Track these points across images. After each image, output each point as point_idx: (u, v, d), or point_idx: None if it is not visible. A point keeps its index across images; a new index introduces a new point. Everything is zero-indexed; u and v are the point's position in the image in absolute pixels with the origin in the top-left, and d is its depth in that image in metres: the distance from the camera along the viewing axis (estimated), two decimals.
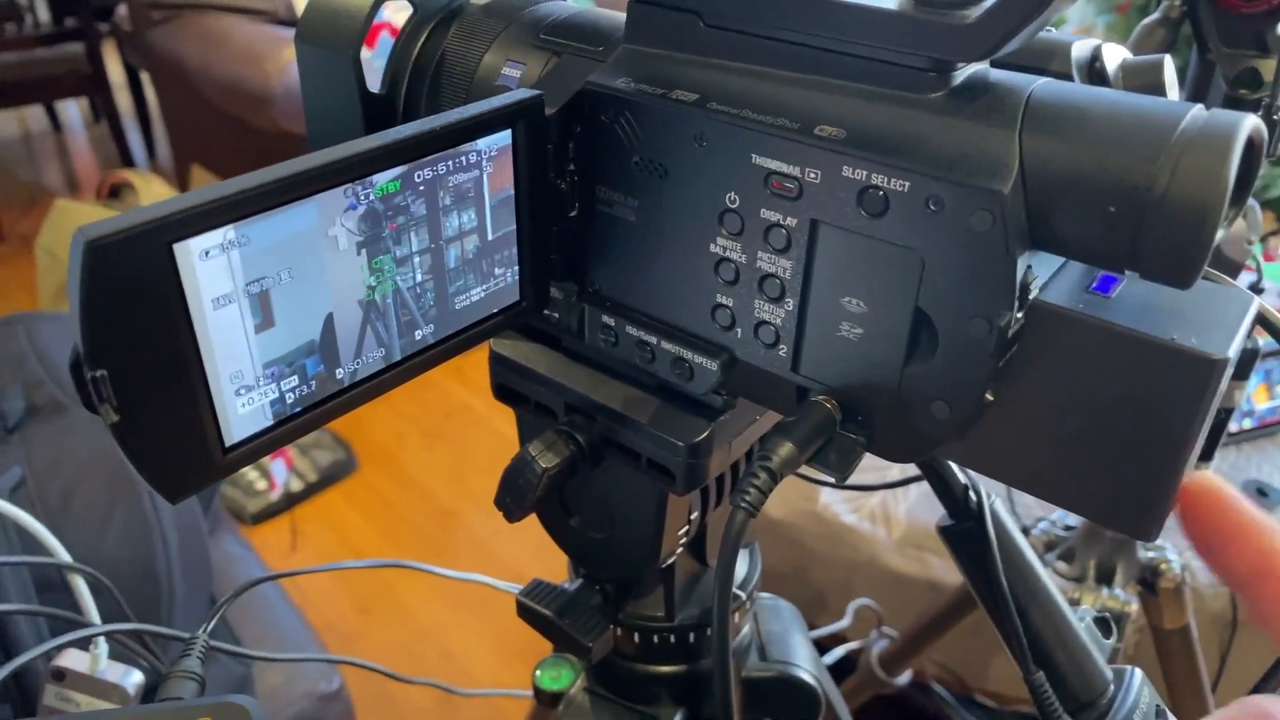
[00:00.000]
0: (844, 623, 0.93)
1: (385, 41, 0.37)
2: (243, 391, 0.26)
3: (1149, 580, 0.80)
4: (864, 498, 1.21)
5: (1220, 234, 0.25)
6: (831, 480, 0.31)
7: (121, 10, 2.92)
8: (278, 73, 2.07)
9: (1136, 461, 0.26)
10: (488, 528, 1.74)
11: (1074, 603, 0.78)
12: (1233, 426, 1.24)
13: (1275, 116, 0.51)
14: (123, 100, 3.15)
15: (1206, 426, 0.27)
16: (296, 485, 1.82)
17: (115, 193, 2.37)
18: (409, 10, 0.36)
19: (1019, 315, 0.26)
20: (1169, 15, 0.59)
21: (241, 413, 0.26)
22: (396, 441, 2.03)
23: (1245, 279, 0.66)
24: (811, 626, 1.00)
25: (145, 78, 2.99)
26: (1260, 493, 1.15)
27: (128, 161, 3.09)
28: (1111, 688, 0.40)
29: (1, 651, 0.76)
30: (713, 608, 0.30)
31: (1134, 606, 0.77)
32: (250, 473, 1.80)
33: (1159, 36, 0.59)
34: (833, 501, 1.23)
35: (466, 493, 1.86)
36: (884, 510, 1.21)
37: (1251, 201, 0.64)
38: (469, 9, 0.37)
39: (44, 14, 2.87)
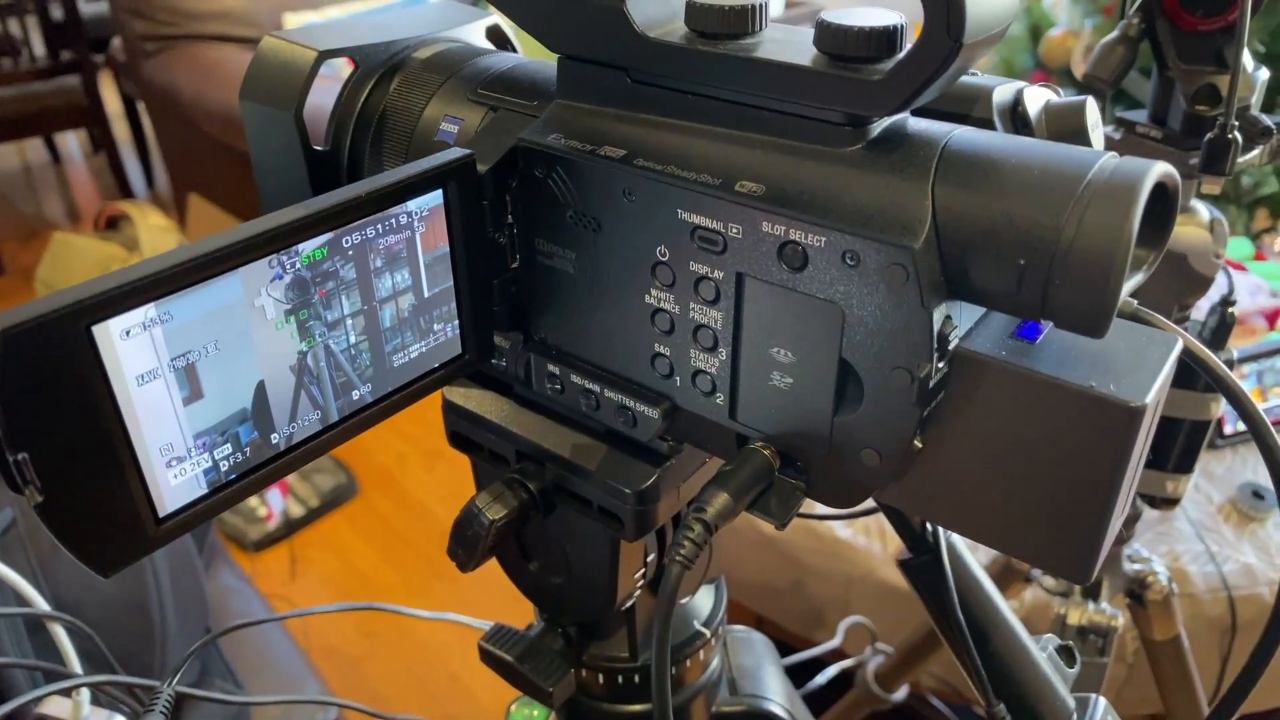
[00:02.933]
0: (835, 641, 0.93)
1: (329, 96, 0.37)
2: (174, 463, 0.26)
3: (1136, 592, 0.80)
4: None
5: (1136, 279, 0.25)
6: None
7: (116, 42, 2.94)
8: None
9: (1066, 506, 0.26)
10: None
11: (1061, 618, 0.78)
12: (1227, 429, 1.23)
13: (1230, 135, 0.51)
14: (120, 131, 3.18)
15: (1137, 467, 0.27)
16: (298, 511, 1.83)
17: (113, 224, 2.39)
18: (350, 66, 0.37)
19: (940, 365, 0.26)
20: (1127, 33, 0.59)
21: (174, 484, 0.26)
22: (397, 463, 2.04)
23: (1217, 292, 0.66)
24: (809, 642, 1.00)
25: (142, 108, 3.01)
26: (1256, 495, 1.15)
27: (126, 192, 3.11)
28: (1074, 717, 0.40)
29: None
30: (651, 663, 0.30)
31: (1120, 620, 0.77)
32: (251, 500, 1.81)
33: (1119, 55, 0.60)
34: None
35: None
36: (879, 524, 1.21)
37: (1218, 215, 0.64)
38: (410, 63, 0.37)
39: (39, 48, 2.90)
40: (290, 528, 1.80)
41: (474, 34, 0.40)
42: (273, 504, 1.79)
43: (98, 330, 0.23)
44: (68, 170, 3.52)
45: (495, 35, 0.41)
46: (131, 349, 0.24)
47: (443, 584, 1.71)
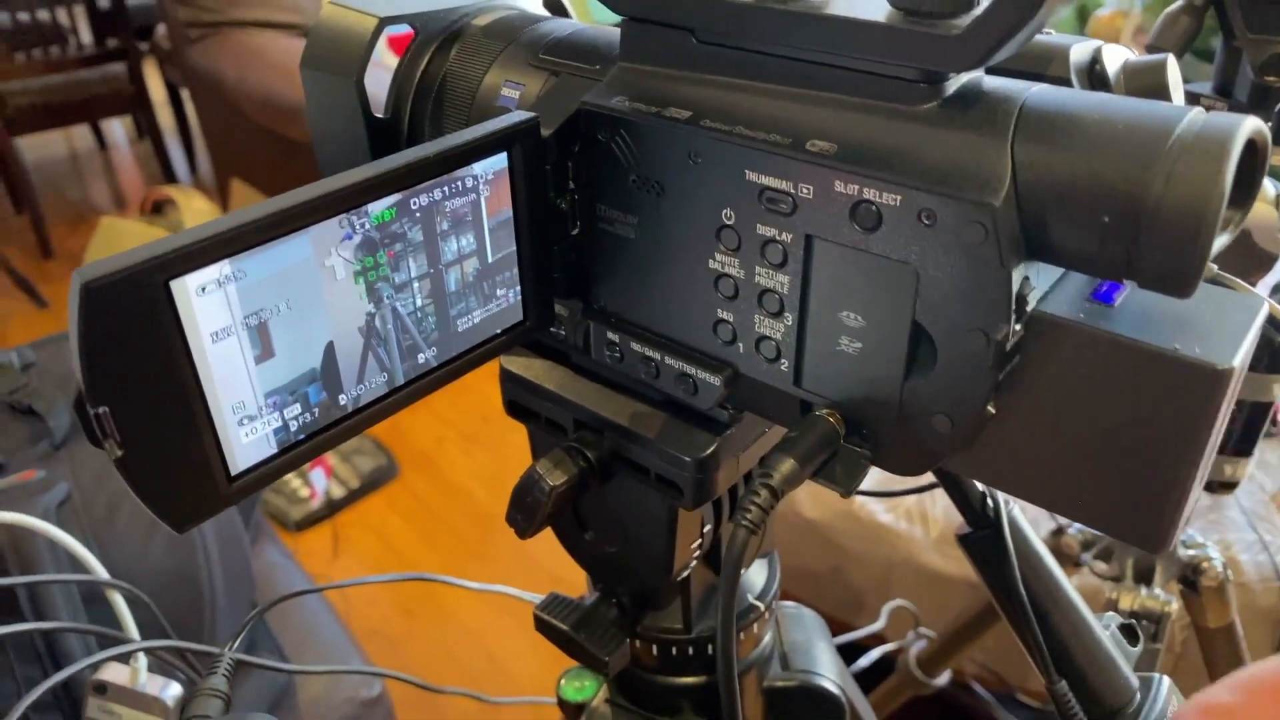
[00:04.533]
0: (879, 624, 0.92)
1: (389, 64, 0.37)
2: (245, 421, 0.26)
3: (1190, 579, 0.78)
4: (900, 497, 1.20)
5: (1222, 240, 0.25)
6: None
7: (160, 29, 2.99)
8: None
9: (1144, 473, 0.26)
10: None
11: (1112, 603, 0.76)
12: None
13: None
14: (164, 117, 3.22)
15: (1219, 433, 0.26)
16: (339, 492, 1.85)
17: (158, 208, 2.43)
18: (411, 33, 0.37)
19: (1017, 327, 0.25)
20: (1193, 2, 0.58)
21: (245, 442, 0.26)
22: (436, 446, 2.05)
23: None
24: (849, 627, 1.00)
25: (185, 94, 3.05)
26: None
27: (170, 177, 3.16)
28: (1138, 696, 0.39)
29: (52, 664, 0.78)
30: (716, 629, 0.29)
31: (1174, 606, 0.75)
32: (293, 480, 1.83)
33: (1183, 25, 0.58)
34: (869, 501, 1.22)
35: (505, 495, 1.84)
36: (921, 509, 1.20)
37: None
38: (469, 30, 0.37)
39: (86, 35, 2.94)
40: (332, 508, 1.83)
41: (531, 1, 0.40)
42: (316, 484, 1.82)
43: (175, 286, 0.23)
44: (113, 156, 3.58)
45: (552, 4, 0.41)
46: (207, 305, 0.24)
47: (481, 564, 1.72)
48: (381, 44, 0.36)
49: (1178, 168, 0.22)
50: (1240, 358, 0.24)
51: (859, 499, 1.22)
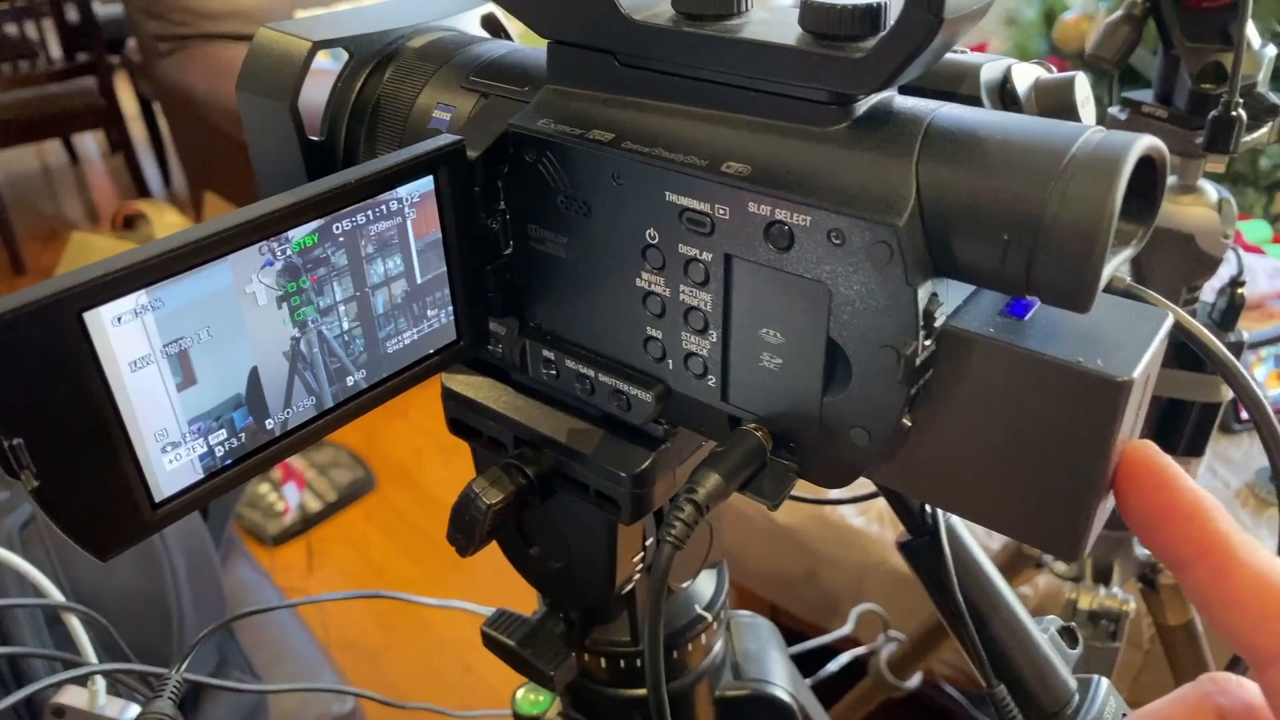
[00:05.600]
0: (847, 628, 0.93)
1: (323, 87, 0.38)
2: (169, 449, 0.26)
3: (1149, 577, 0.79)
4: (872, 500, 1.21)
5: (1124, 254, 0.25)
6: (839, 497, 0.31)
7: (131, 43, 2.97)
8: None
9: (1054, 482, 0.26)
10: None
11: (1072, 603, 0.77)
12: (1244, 414, 1.22)
13: (1234, 112, 0.51)
14: (137, 131, 3.21)
15: (1133, 438, 0.27)
16: (315, 505, 1.84)
17: (129, 223, 2.41)
18: (345, 56, 0.37)
19: (927, 343, 0.26)
20: (1132, 12, 0.59)
21: (169, 469, 0.27)
22: (414, 458, 2.05)
23: (1226, 272, 0.66)
24: (822, 631, 1.00)
25: (158, 108, 3.04)
26: (1273, 480, 1.14)
27: (144, 191, 3.14)
28: (1076, 698, 0.39)
29: (15, 683, 0.78)
30: (643, 642, 0.30)
31: (1132, 605, 0.76)
32: (269, 495, 1.82)
33: (1123, 34, 0.59)
34: (840, 505, 1.23)
35: None
36: (892, 512, 1.21)
37: (1226, 194, 0.63)
38: (404, 52, 0.37)
39: (56, 50, 2.92)
40: (308, 522, 1.82)
41: (469, 23, 0.40)
42: (290, 498, 1.81)
43: (89, 317, 0.24)
44: (86, 171, 3.56)
45: (490, 23, 0.41)
46: (124, 335, 0.24)
47: (459, 575, 1.72)
48: (314, 67, 0.36)
49: (1071, 186, 0.23)
50: (1141, 369, 0.25)
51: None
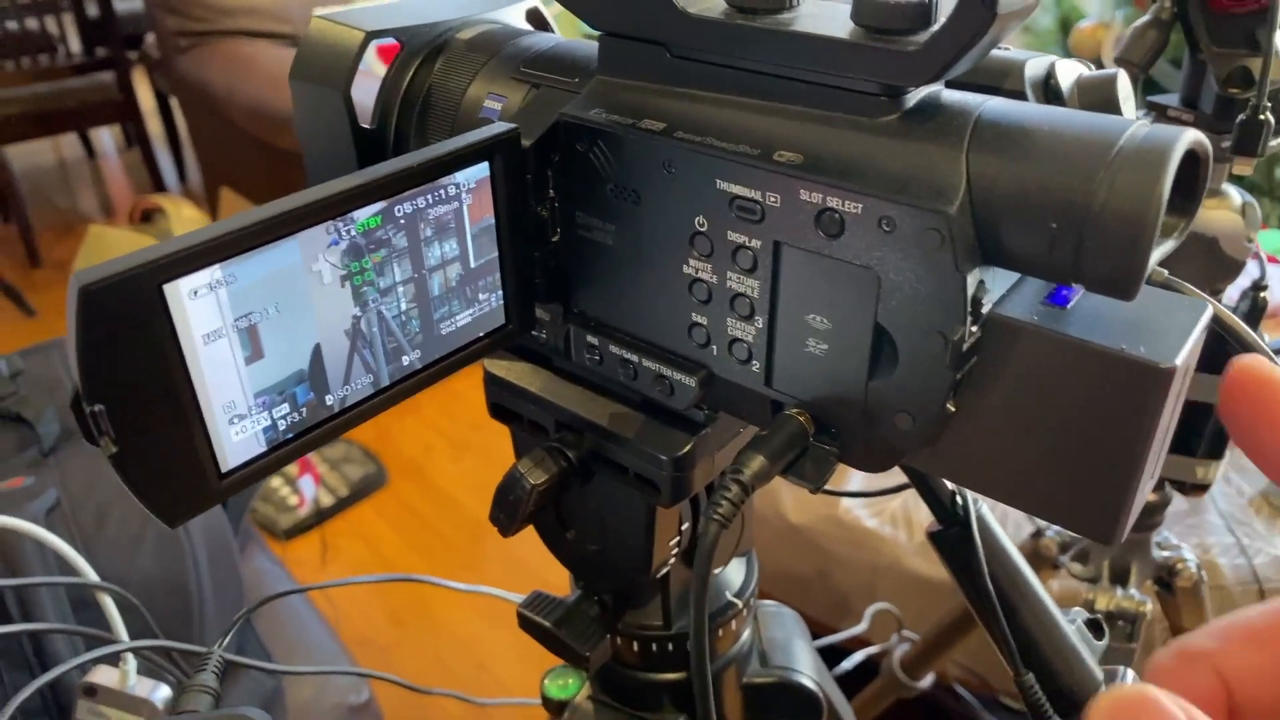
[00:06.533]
0: (861, 627, 0.93)
1: (376, 75, 0.38)
2: (235, 420, 0.27)
3: (1165, 580, 0.79)
4: (884, 501, 1.21)
5: (1166, 247, 0.26)
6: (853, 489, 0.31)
7: (150, 38, 2.99)
8: None
9: (1095, 468, 0.27)
10: (517, 537, 1.76)
11: (1089, 604, 0.78)
12: None
13: (1262, 116, 0.51)
14: (153, 126, 3.23)
15: (1167, 430, 0.27)
16: (327, 500, 1.85)
17: (147, 217, 2.43)
18: (397, 45, 0.38)
19: (974, 329, 0.27)
20: (1160, 17, 0.59)
21: (235, 440, 0.27)
22: (425, 454, 2.06)
23: (1248, 277, 0.66)
24: (834, 631, 1.01)
25: (175, 103, 3.06)
26: None
27: (159, 185, 3.16)
28: (1103, 688, 0.40)
29: (40, 668, 0.79)
30: (690, 618, 0.31)
31: (1149, 607, 0.77)
32: (282, 488, 1.83)
33: (1150, 39, 0.60)
34: (854, 505, 1.23)
35: None
36: (905, 513, 1.21)
37: (1250, 199, 0.64)
38: (454, 43, 0.38)
39: (75, 44, 2.95)
40: (321, 516, 1.83)
41: (514, 16, 0.41)
42: (304, 492, 1.82)
43: (168, 289, 0.24)
44: (102, 165, 3.58)
45: (534, 17, 0.42)
46: (199, 308, 0.25)
47: (470, 571, 1.73)
48: (369, 55, 0.37)
49: (1119, 177, 0.23)
50: (1183, 357, 0.25)
51: (844, 503, 1.23)
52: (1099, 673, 0.41)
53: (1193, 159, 0.25)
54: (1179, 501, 0.85)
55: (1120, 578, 0.78)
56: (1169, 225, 0.26)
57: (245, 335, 0.27)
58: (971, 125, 0.26)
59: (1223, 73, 0.58)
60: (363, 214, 0.28)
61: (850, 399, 0.29)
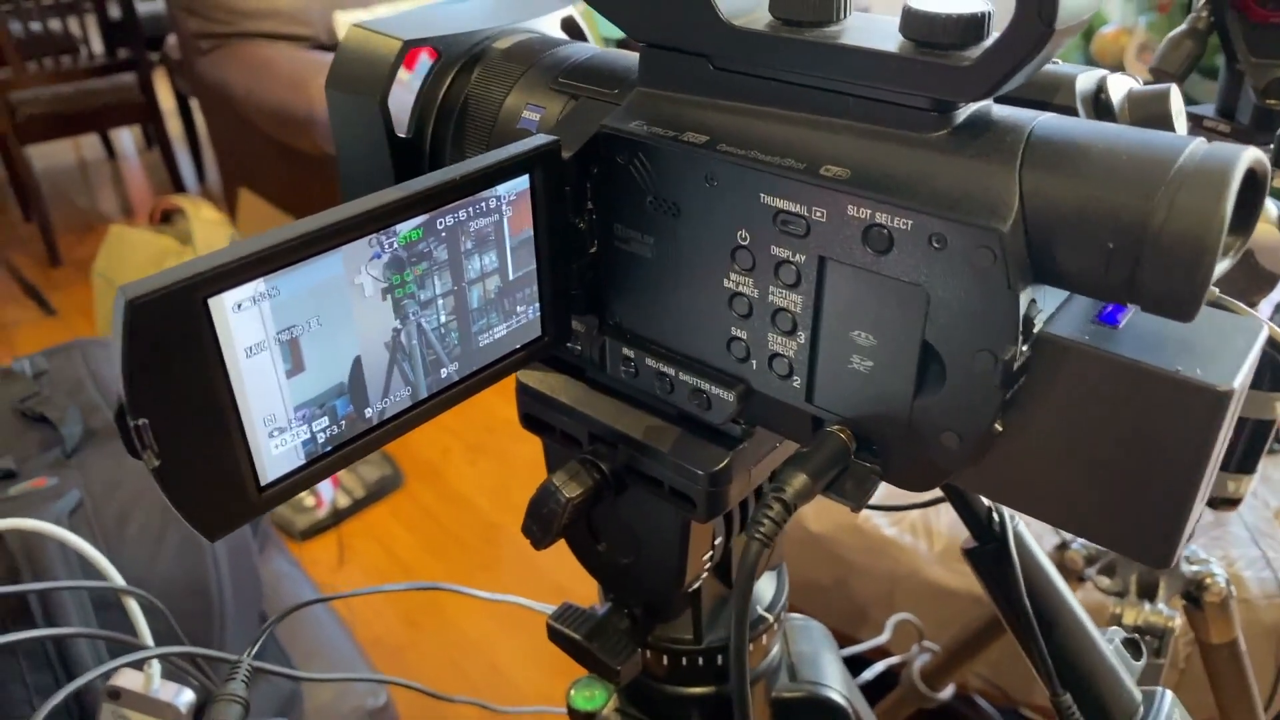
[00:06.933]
0: (883, 638, 0.92)
1: (413, 82, 0.38)
2: (276, 433, 0.27)
3: (1193, 594, 0.78)
4: (904, 512, 1.20)
5: (1223, 266, 0.26)
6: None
7: (171, 40, 3.01)
8: (320, 97, 2.12)
9: (1148, 491, 0.26)
10: None
11: (1116, 618, 0.77)
12: None
13: None
14: (174, 127, 3.25)
15: (1220, 452, 0.27)
16: (344, 501, 1.86)
17: (166, 218, 2.44)
18: (421, 52, 0.38)
19: (1024, 348, 0.26)
20: (1196, 26, 0.59)
21: (275, 453, 0.27)
22: (441, 456, 2.06)
23: None
24: (852, 640, 1.00)
25: (195, 105, 3.07)
26: None
27: (179, 186, 3.18)
28: (1141, 709, 0.40)
29: (63, 671, 0.79)
30: (730, 636, 0.30)
31: (1177, 621, 0.76)
32: None
33: (1186, 48, 0.59)
34: (872, 515, 1.22)
35: (510, 506, 1.88)
36: (924, 523, 1.20)
37: None
38: (490, 53, 0.38)
39: (97, 45, 2.97)
40: (337, 517, 1.83)
41: (549, 25, 0.41)
42: (322, 493, 1.82)
43: (213, 303, 0.24)
44: (122, 166, 3.60)
45: (569, 26, 0.42)
46: (242, 322, 0.25)
47: (486, 574, 1.73)
48: (404, 64, 0.37)
49: (1179, 197, 0.23)
50: (1240, 379, 0.25)
51: (864, 513, 1.22)
52: (1137, 694, 0.40)
53: (1251, 178, 0.24)
54: (1205, 514, 0.84)
55: (1148, 592, 0.77)
56: (1226, 243, 0.26)
57: (287, 348, 0.26)
58: (1024, 141, 0.26)
59: (1261, 83, 0.57)
60: (404, 227, 0.28)
61: (895, 417, 0.29)
